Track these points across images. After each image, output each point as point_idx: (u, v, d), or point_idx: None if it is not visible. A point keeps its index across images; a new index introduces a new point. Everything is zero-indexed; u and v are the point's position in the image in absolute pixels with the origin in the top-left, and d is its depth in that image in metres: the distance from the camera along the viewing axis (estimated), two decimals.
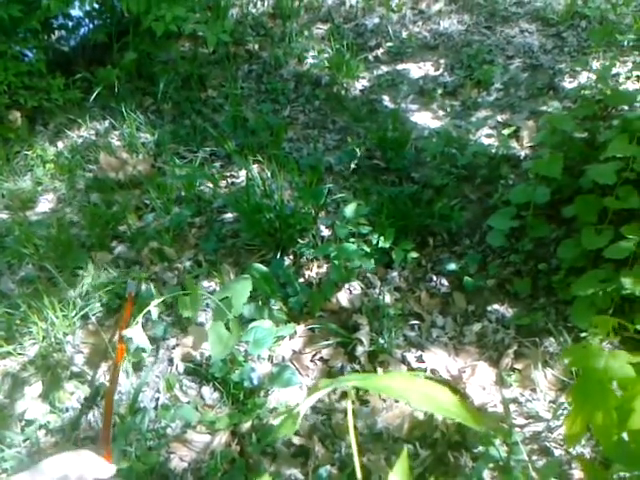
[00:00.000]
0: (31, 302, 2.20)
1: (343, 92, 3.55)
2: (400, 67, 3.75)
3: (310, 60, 3.83)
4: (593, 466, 1.50)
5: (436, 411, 0.54)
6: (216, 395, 2.03)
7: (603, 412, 0.94)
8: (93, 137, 3.33)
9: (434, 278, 2.42)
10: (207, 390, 2.05)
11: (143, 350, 1.37)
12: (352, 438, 0.53)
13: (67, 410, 2.00)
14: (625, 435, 0.87)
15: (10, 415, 1.95)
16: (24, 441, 1.90)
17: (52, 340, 2.16)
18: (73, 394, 2.04)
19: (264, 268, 2.26)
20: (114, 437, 1.79)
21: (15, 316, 2.23)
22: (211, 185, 2.86)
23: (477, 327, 2.23)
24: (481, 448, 1.81)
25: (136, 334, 1.40)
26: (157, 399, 2.02)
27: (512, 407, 1.95)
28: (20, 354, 2.16)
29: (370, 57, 3.84)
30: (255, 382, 1.96)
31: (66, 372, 2.10)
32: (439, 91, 3.46)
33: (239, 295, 1.92)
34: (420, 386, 0.55)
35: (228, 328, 1.75)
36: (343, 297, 2.35)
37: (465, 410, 0.56)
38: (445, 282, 2.41)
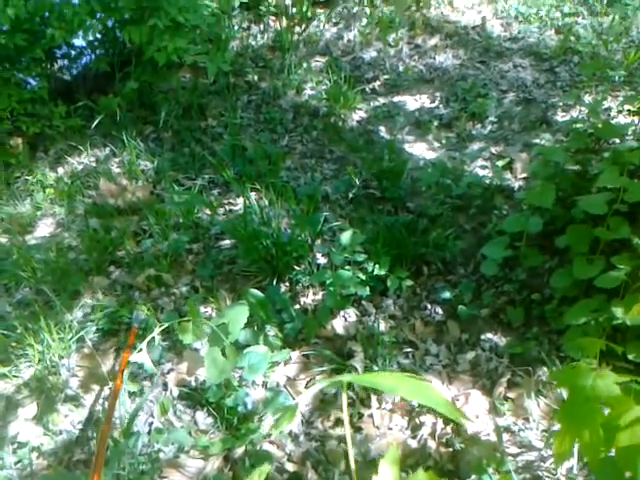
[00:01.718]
0: (28, 324, 2.22)
1: (340, 123, 3.61)
2: (396, 99, 3.82)
3: (308, 91, 3.90)
4: None
5: (425, 402, 0.56)
6: (210, 420, 2.04)
7: (590, 430, 0.96)
8: (93, 164, 3.37)
9: (429, 306, 2.44)
10: (201, 415, 2.05)
11: (152, 375, 1.39)
12: (347, 432, 0.55)
13: (61, 433, 2.00)
14: (612, 452, 0.89)
15: (3, 437, 1.95)
16: (16, 463, 1.90)
17: (47, 363, 2.17)
18: (67, 417, 2.04)
19: (260, 294, 2.28)
20: (107, 461, 1.79)
21: (11, 338, 2.24)
22: (209, 212, 2.90)
23: (471, 355, 2.24)
24: (474, 477, 1.82)
25: (143, 359, 1.42)
26: (151, 423, 2.03)
27: (505, 436, 1.95)
28: (15, 376, 2.17)
29: (367, 89, 3.91)
30: (249, 407, 1.97)
31: (60, 395, 2.11)
32: (435, 123, 3.52)
33: (236, 321, 1.94)
34: (410, 382, 0.58)
35: (224, 354, 1.77)
36: (338, 324, 2.36)
37: (450, 406, 0.59)
38: (439, 310, 2.43)
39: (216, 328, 1.85)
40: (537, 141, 3.31)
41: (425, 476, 0.55)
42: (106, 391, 2.14)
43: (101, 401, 2.11)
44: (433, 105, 3.75)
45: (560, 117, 3.47)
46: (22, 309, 2.46)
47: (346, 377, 0.62)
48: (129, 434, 1.88)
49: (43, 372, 2.15)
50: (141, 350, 1.53)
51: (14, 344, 2.22)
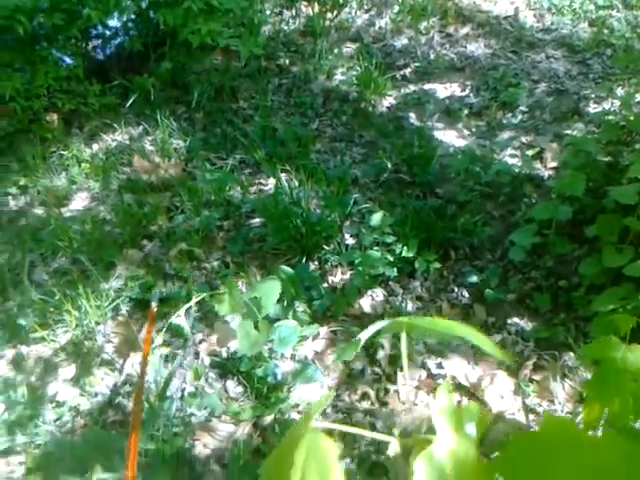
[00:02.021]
0: (66, 291, 2.28)
1: (370, 108, 3.64)
2: (427, 87, 3.83)
3: (339, 77, 3.93)
4: None
5: (476, 341, 0.60)
6: (240, 389, 2.09)
7: (620, 399, 1.00)
8: (127, 141, 3.43)
9: (455, 289, 2.47)
10: (231, 384, 2.11)
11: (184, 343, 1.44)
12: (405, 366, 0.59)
13: (96, 395, 2.08)
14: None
15: (43, 396, 2.02)
16: (55, 420, 1.97)
17: (84, 328, 2.24)
18: (103, 380, 2.11)
19: (290, 270, 2.33)
20: (143, 422, 1.85)
21: (49, 304, 2.31)
22: (240, 191, 2.94)
23: (497, 338, 2.27)
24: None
25: (181, 322, 1.48)
26: (183, 389, 2.09)
27: (530, 416, 1.99)
28: (53, 340, 2.24)
29: (398, 76, 3.92)
30: (279, 378, 2.02)
31: (96, 359, 2.18)
32: (465, 111, 3.53)
33: (268, 295, 1.99)
34: (463, 327, 0.61)
35: (257, 327, 1.82)
36: (365, 303, 2.40)
37: (499, 349, 0.62)
38: (466, 294, 2.46)
39: (249, 302, 1.91)
40: (568, 132, 3.31)
41: (476, 407, 0.59)
42: (139, 357, 2.20)
43: (135, 366, 2.17)
44: (464, 93, 3.76)
45: (592, 109, 3.47)
46: (58, 278, 2.53)
47: (404, 319, 0.65)
48: (163, 398, 1.93)
49: (80, 337, 2.22)
50: (179, 316, 1.59)
51: (52, 309, 2.29)
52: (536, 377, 2.11)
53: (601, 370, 1.09)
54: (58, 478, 1.78)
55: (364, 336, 0.66)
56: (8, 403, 1.99)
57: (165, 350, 2.15)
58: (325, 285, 2.46)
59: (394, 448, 0.54)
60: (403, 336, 0.62)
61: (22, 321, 2.27)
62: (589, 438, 0.47)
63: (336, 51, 4.11)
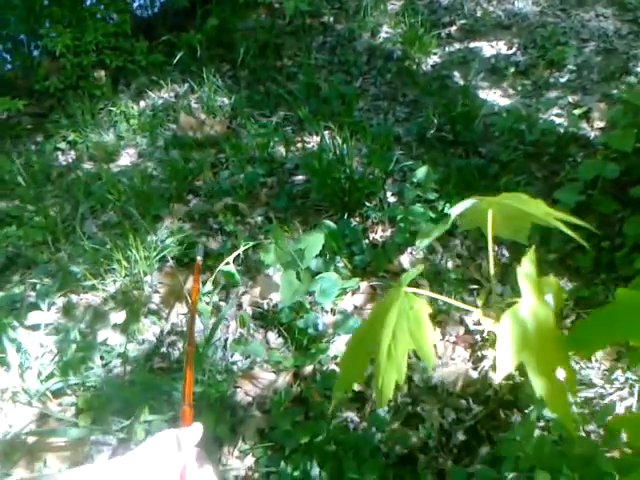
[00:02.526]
0: (116, 241, 2.37)
1: (414, 67, 3.61)
2: (472, 45, 3.77)
3: (383, 34, 3.89)
4: None
5: (560, 224, 0.62)
6: (280, 340, 2.16)
7: None
8: (173, 98, 3.49)
9: (495, 248, 2.48)
10: (272, 335, 2.18)
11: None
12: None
13: (144, 342, 2.17)
14: None
15: (92, 342, 2.12)
16: (104, 365, 2.07)
17: (133, 278, 2.33)
18: (150, 328, 2.20)
19: (333, 225, 2.36)
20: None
21: (100, 253, 2.40)
22: (283, 148, 2.98)
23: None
24: (532, 408, 1.88)
25: (231, 268, 1.55)
26: (226, 339, 2.17)
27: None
28: (103, 289, 2.34)
29: (443, 34, 3.87)
30: (320, 329, 2.07)
31: (144, 308, 2.27)
32: (511, 70, 3.47)
33: (312, 247, 2.05)
34: (547, 208, 0.64)
35: (299, 277, 1.89)
36: (405, 260, 2.43)
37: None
38: (506, 253, 2.46)
39: (293, 253, 1.96)
40: (616, 92, 3.23)
41: (555, 281, 0.62)
42: (184, 308, 2.29)
43: (180, 316, 2.26)
44: (510, 52, 3.68)
45: None
46: (108, 230, 2.62)
47: (493, 198, 0.67)
48: (209, 343, 2.01)
49: (128, 286, 2.31)
50: (228, 263, 1.65)
51: (102, 259, 2.39)
52: None
53: None
54: (107, 418, 1.88)
55: (454, 212, 0.69)
56: (60, 347, 2.10)
57: (210, 300, 2.22)
58: (366, 241, 2.49)
59: (476, 316, 0.59)
60: (490, 213, 0.65)
61: (74, 268, 2.37)
62: None
63: (381, 8, 4.06)
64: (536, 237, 2.47)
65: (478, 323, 2.19)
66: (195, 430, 0.84)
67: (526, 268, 0.57)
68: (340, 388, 0.63)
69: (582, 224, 0.62)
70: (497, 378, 0.53)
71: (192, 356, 1.02)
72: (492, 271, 0.65)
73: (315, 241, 1.98)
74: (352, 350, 0.67)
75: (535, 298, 0.55)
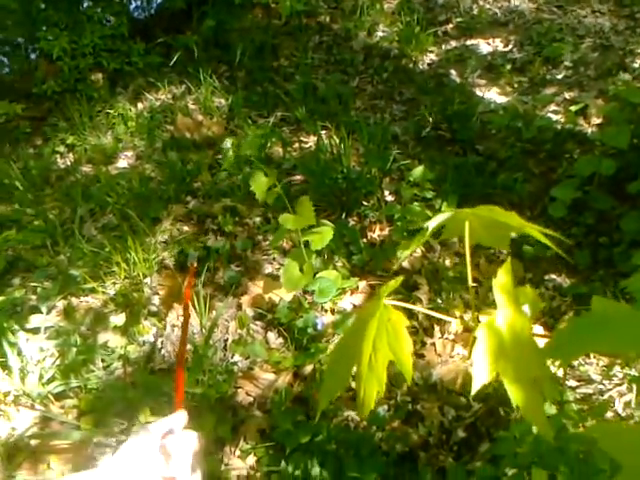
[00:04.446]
0: (116, 244, 2.38)
1: (411, 65, 3.61)
2: (469, 42, 3.77)
3: (380, 33, 3.89)
4: None
5: (532, 232, 0.63)
6: (280, 340, 2.17)
7: None
8: (170, 100, 3.50)
9: (492, 248, 2.48)
10: (272, 335, 2.19)
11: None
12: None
13: (144, 344, 2.18)
14: None
15: (93, 344, 2.13)
16: (105, 368, 2.08)
17: (132, 280, 2.33)
18: (150, 330, 2.21)
19: (330, 224, 2.37)
20: (189, 367, 1.95)
21: (99, 256, 2.41)
22: (281, 148, 2.98)
23: None
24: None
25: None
26: (225, 340, 2.18)
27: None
28: (103, 292, 2.34)
29: (439, 32, 3.87)
30: (319, 328, 2.08)
31: (144, 310, 2.28)
32: (507, 67, 3.48)
33: (321, 238, 2.06)
34: (519, 219, 0.64)
35: (301, 270, 1.91)
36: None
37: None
38: (504, 250, 2.47)
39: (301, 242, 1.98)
40: (613, 88, 3.23)
41: (530, 291, 0.63)
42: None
43: (180, 318, 2.27)
44: (507, 49, 3.69)
45: (638, 64, 3.37)
46: (107, 232, 2.63)
47: (467, 210, 0.67)
48: (208, 345, 2.02)
49: (128, 288, 2.32)
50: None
51: (101, 262, 2.40)
52: None
53: None
54: (109, 420, 1.89)
55: (432, 224, 0.70)
56: (61, 350, 2.11)
57: (207, 301, 2.23)
58: (364, 240, 2.50)
59: (455, 328, 0.60)
60: (467, 225, 0.66)
61: (74, 272, 2.38)
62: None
63: (377, 7, 4.07)
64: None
65: (478, 320, 2.20)
66: (180, 417, 0.85)
67: (501, 279, 0.58)
68: (324, 396, 0.64)
69: (553, 234, 0.63)
70: (473, 390, 0.54)
71: (183, 357, 1.03)
72: (470, 281, 0.66)
73: (324, 233, 2.01)
74: (335, 359, 0.68)
75: (511, 309, 0.56)
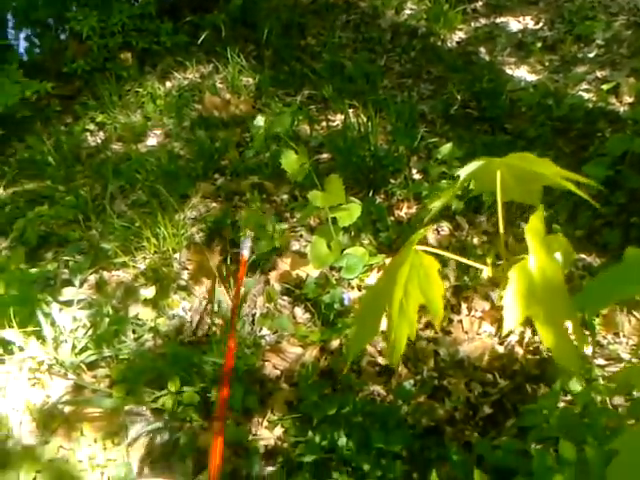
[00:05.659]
0: (146, 219, 2.41)
1: (439, 43, 3.58)
2: (499, 20, 3.72)
3: (407, 11, 3.86)
4: None
5: (565, 183, 0.63)
6: (307, 315, 2.19)
7: None
8: (198, 79, 3.52)
9: (522, 225, 2.47)
10: (299, 310, 2.21)
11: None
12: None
13: (174, 317, 2.21)
14: None
15: (124, 316, 2.17)
16: (136, 340, 2.12)
17: (162, 255, 2.37)
18: (180, 304, 2.24)
19: (358, 202, 2.37)
20: (218, 340, 1.99)
21: (130, 231, 2.45)
22: (308, 126, 2.99)
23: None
24: (558, 382, 1.89)
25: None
26: (254, 314, 2.20)
27: (594, 349, 2.00)
28: (133, 266, 2.38)
29: (468, 9, 3.82)
30: (346, 303, 2.09)
31: (173, 285, 2.31)
32: (538, 45, 3.42)
33: (348, 216, 2.07)
34: (553, 165, 0.64)
35: (329, 246, 1.92)
36: (431, 237, 2.43)
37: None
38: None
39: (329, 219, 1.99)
40: None
41: (564, 239, 0.63)
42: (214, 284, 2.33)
43: (208, 292, 2.30)
44: (537, 27, 3.63)
45: None
46: (137, 208, 2.66)
47: (499, 159, 0.67)
48: (237, 318, 2.05)
49: (158, 263, 2.35)
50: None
51: (132, 237, 2.43)
52: (603, 311, 2.10)
53: None
54: (140, 389, 1.93)
55: (463, 173, 0.70)
56: (93, 321, 2.15)
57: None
58: (391, 218, 2.50)
59: (486, 274, 0.61)
60: (498, 174, 0.66)
61: (105, 245, 2.42)
62: None
63: None
64: (563, 214, 2.46)
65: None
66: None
67: (534, 225, 0.58)
68: (355, 344, 0.65)
69: (588, 182, 0.62)
70: (505, 331, 0.54)
71: (235, 323, 1.06)
72: (501, 228, 0.66)
73: (352, 209, 2.02)
74: (366, 306, 0.69)
75: (543, 254, 0.56)
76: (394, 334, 0.60)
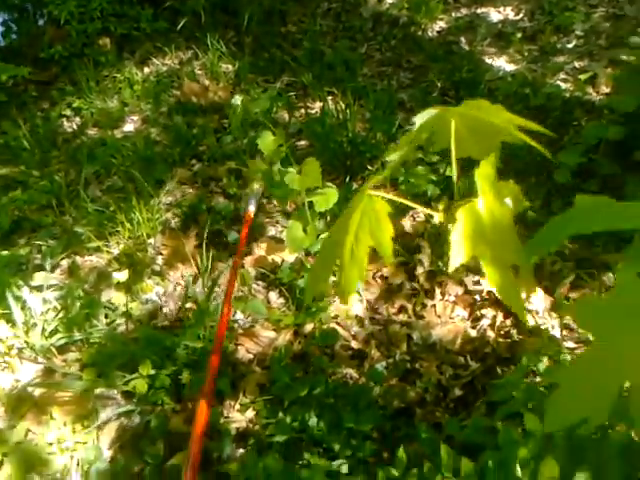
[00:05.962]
0: (120, 204, 2.40)
1: (420, 33, 3.58)
2: (479, 10, 3.73)
3: (389, 0, 3.85)
4: None
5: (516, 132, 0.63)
6: (282, 300, 2.18)
7: None
8: (177, 65, 3.50)
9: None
10: (274, 295, 2.20)
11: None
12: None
13: (147, 302, 2.20)
14: None
15: (96, 300, 2.15)
16: (108, 324, 2.11)
17: (136, 240, 2.35)
18: (153, 289, 2.23)
19: (334, 187, 2.37)
20: (192, 324, 1.98)
21: (104, 215, 2.43)
22: (287, 113, 2.98)
23: (535, 258, 2.28)
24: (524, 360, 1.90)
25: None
26: None
27: (564, 332, 2.02)
28: (107, 251, 2.36)
29: None
30: None
31: (147, 270, 2.30)
32: (518, 35, 3.44)
33: (325, 200, 2.07)
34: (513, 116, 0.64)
35: (304, 230, 1.91)
36: (407, 223, 2.44)
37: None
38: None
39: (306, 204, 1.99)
40: (624, 58, 3.19)
41: (516, 187, 0.63)
42: (186, 269, 2.31)
43: (184, 277, 2.29)
44: (517, 17, 3.65)
45: None
46: (112, 193, 2.64)
47: (452, 109, 0.67)
48: (209, 301, 2.04)
49: (132, 248, 2.34)
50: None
51: (106, 222, 2.42)
52: (573, 295, 2.12)
53: None
54: (111, 373, 1.92)
55: (417, 120, 0.70)
56: (64, 304, 2.13)
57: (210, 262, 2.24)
58: None
59: (437, 219, 0.61)
60: (452, 124, 0.66)
61: (79, 229, 2.40)
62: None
63: None
64: (537, 201, 2.48)
65: (477, 283, 2.20)
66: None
67: (484, 169, 0.58)
68: (309, 290, 0.66)
69: (541, 129, 0.63)
70: (450, 267, 0.55)
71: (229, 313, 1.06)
72: (455, 175, 0.66)
73: (328, 195, 2.01)
74: (320, 256, 0.70)
75: (492, 196, 0.56)
76: (344, 277, 0.61)
